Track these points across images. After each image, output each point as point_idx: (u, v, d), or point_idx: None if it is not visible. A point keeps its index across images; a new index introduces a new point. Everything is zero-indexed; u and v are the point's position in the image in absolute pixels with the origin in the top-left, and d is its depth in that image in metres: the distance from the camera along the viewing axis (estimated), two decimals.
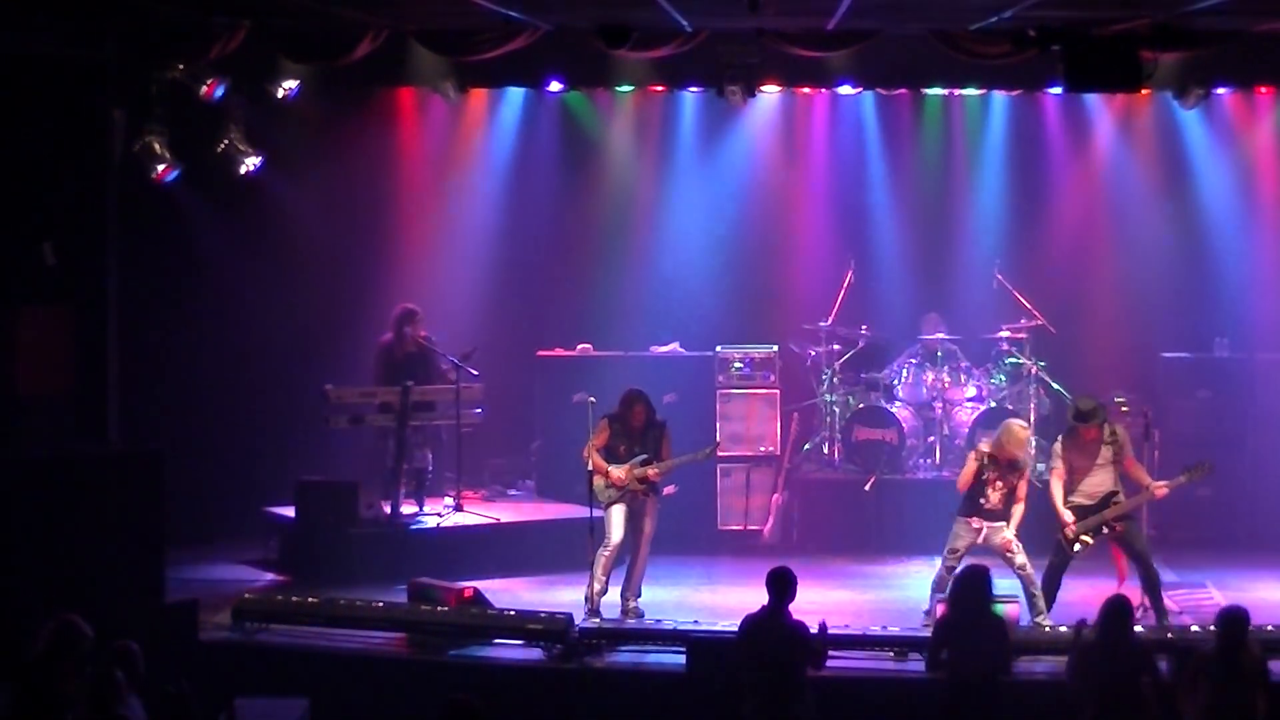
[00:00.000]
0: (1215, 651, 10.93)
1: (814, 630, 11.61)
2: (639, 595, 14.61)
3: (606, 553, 14.43)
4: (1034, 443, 17.62)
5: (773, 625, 11.30)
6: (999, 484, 14.01)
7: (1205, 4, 13.19)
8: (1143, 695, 11.00)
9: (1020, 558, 13.90)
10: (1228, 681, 10.78)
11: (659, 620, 14.17)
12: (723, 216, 19.34)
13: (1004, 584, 13.51)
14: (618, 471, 14.48)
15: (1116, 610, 11.23)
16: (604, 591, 14.41)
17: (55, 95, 15.42)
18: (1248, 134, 18.67)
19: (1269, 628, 13.06)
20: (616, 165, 19.40)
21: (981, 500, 14.02)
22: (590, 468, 14.57)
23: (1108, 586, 13.85)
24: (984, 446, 14.35)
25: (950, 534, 14.13)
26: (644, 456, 14.51)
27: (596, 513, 14.65)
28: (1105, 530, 14.00)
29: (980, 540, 14.00)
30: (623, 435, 14.62)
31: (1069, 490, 14.05)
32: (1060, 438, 14.28)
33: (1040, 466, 17.29)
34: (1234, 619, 11.02)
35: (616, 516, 14.52)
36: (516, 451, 18.95)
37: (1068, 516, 13.95)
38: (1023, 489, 14.10)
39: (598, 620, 14.14)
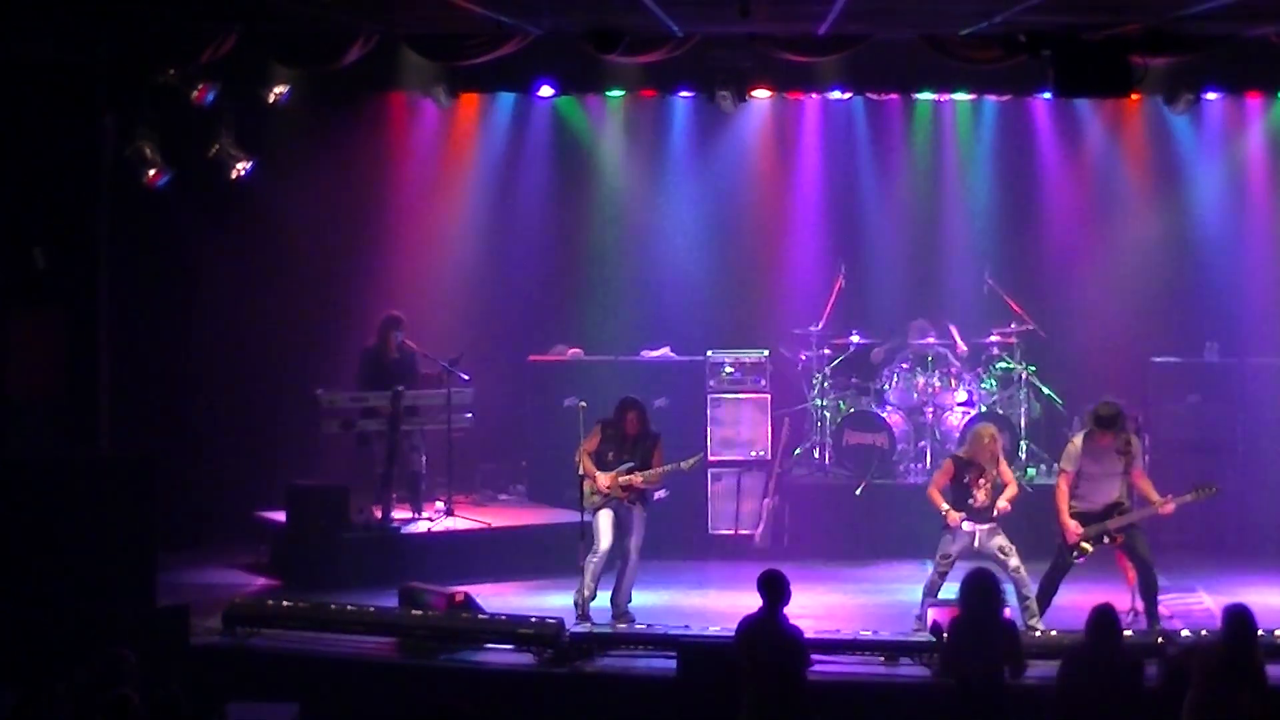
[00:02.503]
0: (1224, 650, 10.87)
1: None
2: (629, 601, 14.60)
3: (595, 559, 14.43)
4: (1024, 446, 17.69)
5: (769, 629, 11.28)
6: (981, 481, 14.02)
7: (1195, 9, 13.21)
8: (1128, 704, 11.01)
9: (1014, 560, 13.88)
10: (1232, 681, 10.76)
11: (650, 625, 14.16)
12: (714, 221, 19.34)
13: None
14: (603, 478, 14.49)
15: (1103, 619, 11.23)
16: (593, 597, 14.41)
17: (47, 100, 15.43)
18: (1237, 139, 18.70)
19: (1260, 632, 13.03)
20: (607, 170, 19.39)
21: (970, 501, 14.02)
22: (580, 471, 14.58)
23: (1103, 593, 13.82)
24: (960, 452, 14.38)
25: (941, 539, 14.12)
26: (630, 464, 14.51)
27: (588, 517, 14.64)
28: (1106, 540, 13.98)
29: (974, 544, 13.98)
30: (613, 442, 14.62)
31: (1074, 495, 14.02)
32: (1078, 440, 14.22)
33: (1031, 471, 17.36)
34: (1242, 617, 10.99)
35: (604, 523, 14.51)
36: (507, 456, 18.94)
37: (1073, 525, 13.93)
38: (1006, 472, 14.16)
39: (588, 625, 14.13)
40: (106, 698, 9.97)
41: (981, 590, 11.49)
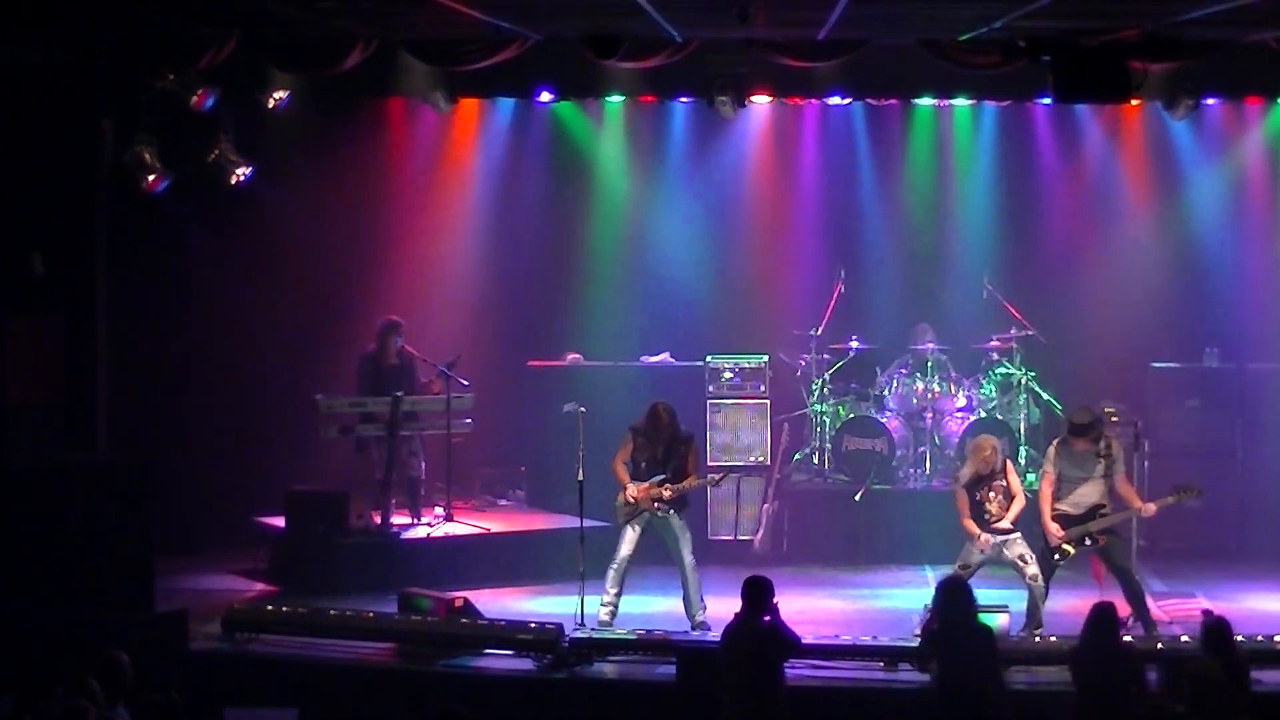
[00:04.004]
0: (1214, 663, 10.87)
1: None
2: (703, 608, 14.38)
3: (613, 567, 14.32)
4: (1024, 452, 17.68)
5: (746, 629, 11.34)
6: (992, 495, 14.02)
7: (1194, 15, 13.21)
8: (1128, 703, 10.99)
9: (1032, 568, 13.85)
10: (1227, 692, 10.76)
11: (649, 630, 14.14)
12: (713, 226, 19.33)
13: (992, 594, 13.53)
14: (633, 489, 14.39)
15: (1100, 617, 11.22)
16: (614, 603, 14.27)
17: (45, 105, 15.43)
18: (1237, 144, 18.71)
19: (1259, 637, 13.07)
20: (607, 175, 19.40)
21: (986, 516, 14.00)
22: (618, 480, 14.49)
23: (1097, 597, 13.84)
24: (964, 473, 14.35)
25: (963, 549, 14.06)
26: (662, 476, 14.39)
27: (588, 523, 14.62)
28: (1088, 542, 13.98)
29: (992, 554, 13.95)
30: (645, 449, 14.47)
31: (1056, 498, 14.03)
32: (1054, 444, 14.26)
33: (1030, 477, 17.35)
34: (1220, 630, 11.00)
35: (628, 533, 14.38)
36: (506, 462, 18.94)
37: (1053, 527, 13.94)
38: (1015, 483, 14.17)
39: (588, 630, 14.10)
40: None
41: (953, 596, 11.50)
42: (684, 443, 14.52)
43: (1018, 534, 13.98)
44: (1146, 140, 18.86)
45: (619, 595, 14.35)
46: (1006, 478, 14.13)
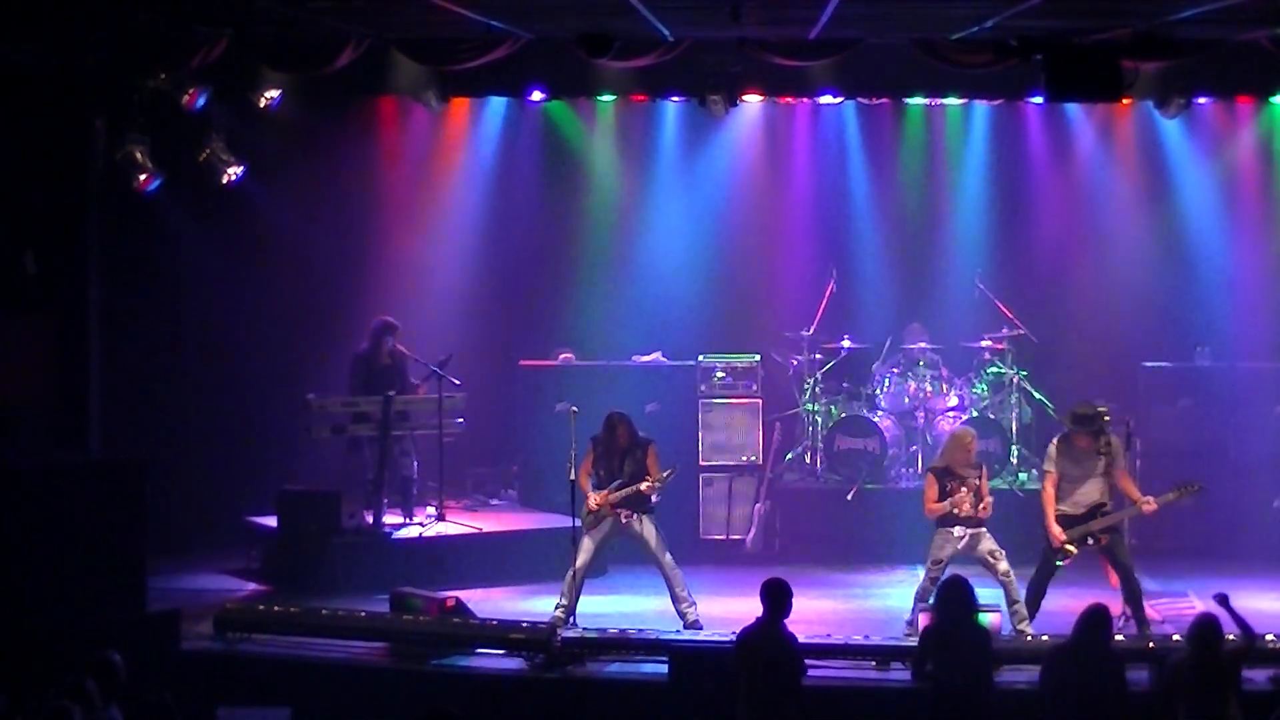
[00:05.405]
0: (1189, 661, 10.92)
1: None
2: (691, 605, 14.39)
3: (568, 574, 14.36)
4: (1015, 451, 17.69)
5: (769, 637, 11.29)
6: (963, 490, 13.99)
7: (1186, 14, 13.23)
8: (1114, 705, 11.01)
9: (1003, 564, 13.87)
10: (1203, 690, 10.79)
11: (641, 629, 14.13)
12: (705, 226, 19.33)
13: (985, 593, 13.52)
14: (594, 497, 14.44)
15: (1094, 618, 11.22)
16: (570, 610, 14.28)
17: (37, 104, 15.40)
18: (1229, 143, 18.73)
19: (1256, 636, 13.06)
20: (598, 174, 19.40)
21: (955, 511, 14.00)
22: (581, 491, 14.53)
23: (1091, 596, 13.82)
24: (937, 463, 14.35)
25: (932, 544, 14.10)
26: (619, 482, 14.43)
27: (579, 523, 14.62)
28: (1090, 541, 13.97)
29: (963, 549, 13.98)
30: (604, 459, 14.55)
31: (1058, 498, 14.00)
32: (1055, 443, 14.23)
33: (1023, 476, 17.38)
34: (1206, 627, 11.02)
35: (585, 542, 14.44)
36: (498, 461, 18.93)
37: (1056, 529, 13.92)
38: (985, 486, 14.13)
39: (579, 629, 14.09)
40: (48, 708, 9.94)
41: (955, 597, 11.50)
42: (641, 448, 14.54)
43: (984, 529, 13.99)
44: (1138, 139, 18.89)
45: (574, 602, 14.31)
46: (981, 482, 14.12)
